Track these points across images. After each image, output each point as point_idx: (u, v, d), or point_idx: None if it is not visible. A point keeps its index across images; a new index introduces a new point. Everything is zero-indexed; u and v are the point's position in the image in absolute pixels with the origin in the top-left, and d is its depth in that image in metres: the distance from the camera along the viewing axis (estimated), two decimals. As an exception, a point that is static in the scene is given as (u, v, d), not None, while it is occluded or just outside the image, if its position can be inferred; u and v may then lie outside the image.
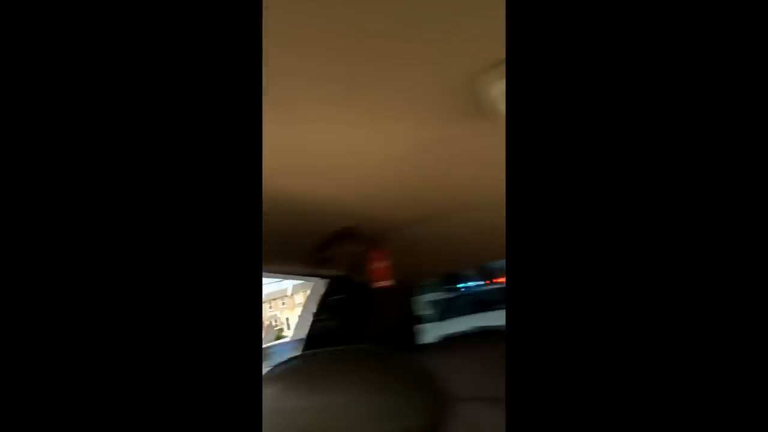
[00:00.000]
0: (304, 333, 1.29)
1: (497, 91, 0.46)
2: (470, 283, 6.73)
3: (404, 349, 1.42)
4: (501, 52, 0.43)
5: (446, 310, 5.30)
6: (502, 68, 0.44)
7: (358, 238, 0.97)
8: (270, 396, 0.48)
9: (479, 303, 5.16)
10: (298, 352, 0.89)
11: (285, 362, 0.54)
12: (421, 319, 1.77)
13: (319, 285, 1.34)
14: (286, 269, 0.99)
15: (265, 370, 0.49)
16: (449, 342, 1.45)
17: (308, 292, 1.54)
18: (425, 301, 1.92)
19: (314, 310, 1.36)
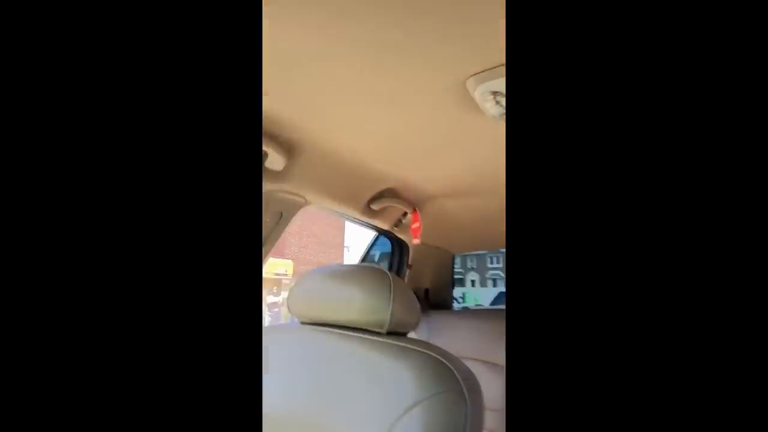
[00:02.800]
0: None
1: (481, 92, 0.64)
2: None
3: (433, 305, 1.65)
4: (486, 63, 0.58)
5: (483, 280, 5.78)
6: (485, 74, 0.61)
7: (400, 199, 1.21)
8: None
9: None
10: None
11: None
12: (452, 282, 1.96)
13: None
14: (350, 213, 1.18)
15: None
16: (472, 310, 1.62)
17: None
18: (455, 267, 2.03)
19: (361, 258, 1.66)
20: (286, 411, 0.65)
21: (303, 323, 0.76)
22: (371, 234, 1.60)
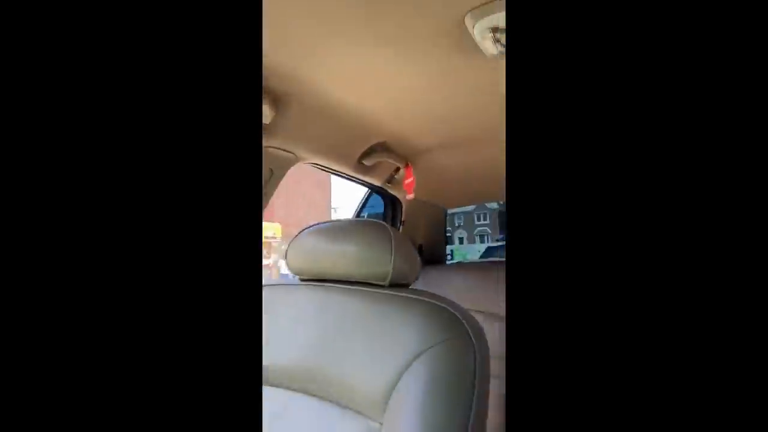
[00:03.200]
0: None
1: (480, 29, 0.61)
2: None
3: (426, 261, 1.67)
4: None
5: (471, 237, 5.98)
6: (484, 8, 0.58)
7: (392, 153, 1.19)
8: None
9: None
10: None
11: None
12: (445, 239, 1.97)
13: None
14: (342, 170, 1.16)
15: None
16: (465, 264, 1.65)
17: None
18: (450, 223, 2.04)
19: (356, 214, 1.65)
20: (295, 364, 0.65)
21: (303, 280, 0.75)
22: (359, 195, 1.57)
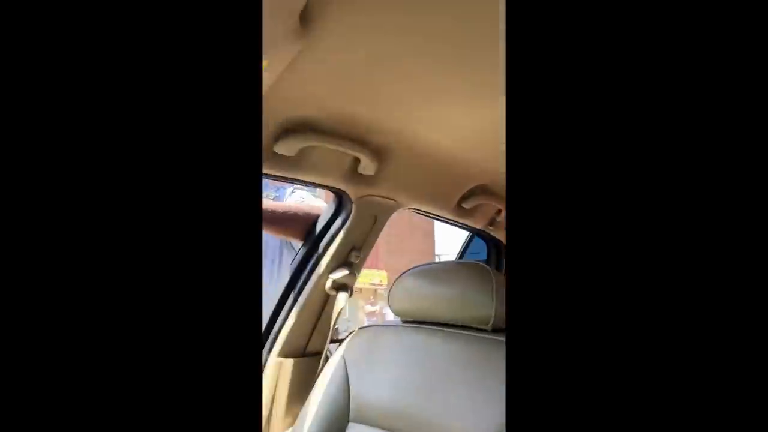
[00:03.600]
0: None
1: None
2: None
3: None
4: None
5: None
6: None
7: (493, 195, 1.17)
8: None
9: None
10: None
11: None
12: None
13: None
14: (442, 214, 1.17)
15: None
16: None
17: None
18: None
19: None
20: (396, 405, 0.65)
21: (405, 322, 0.76)
22: (461, 241, 1.56)
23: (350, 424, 0.71)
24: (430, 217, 1.22)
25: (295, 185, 1.23)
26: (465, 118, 0.80)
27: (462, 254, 1.60)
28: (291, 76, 0.61)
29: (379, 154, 0.89)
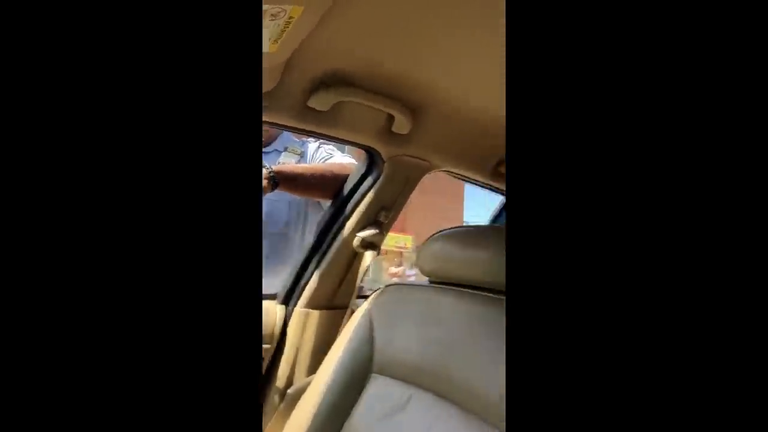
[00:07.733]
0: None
1: None
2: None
3: None
4: None
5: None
6: None
7: None
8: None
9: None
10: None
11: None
12: None
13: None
14: (476, 177, 1.14)
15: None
16: None
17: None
18: None
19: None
20: (420, 360, 0.67)
21: (432, 282, 0.77)
22: (492, 208, 1.53)
23: (373, 375, 0.74)
24: (464, 180, 1.20)
25: (322, 141, 1.22)
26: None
27: (496, 218, 1.58)
28: (325, 28, 0.59)
29: (414, 111, 0.87)
